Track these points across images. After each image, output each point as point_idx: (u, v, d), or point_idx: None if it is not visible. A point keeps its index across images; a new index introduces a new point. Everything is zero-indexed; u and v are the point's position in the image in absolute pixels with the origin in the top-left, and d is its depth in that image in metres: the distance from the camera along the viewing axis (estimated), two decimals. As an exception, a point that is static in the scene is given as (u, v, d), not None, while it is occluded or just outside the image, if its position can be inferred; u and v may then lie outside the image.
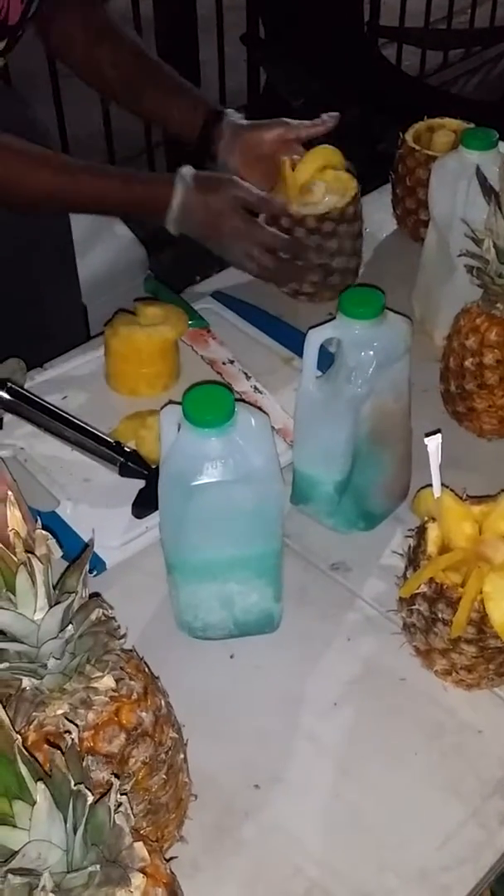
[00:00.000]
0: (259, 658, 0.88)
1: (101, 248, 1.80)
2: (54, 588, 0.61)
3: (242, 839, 0.76)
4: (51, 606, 0.58)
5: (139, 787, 0.66)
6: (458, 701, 0.84)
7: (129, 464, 1.01)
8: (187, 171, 1.13)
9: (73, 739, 0.55)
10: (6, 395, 1.06)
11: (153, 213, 1.16)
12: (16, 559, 0.57)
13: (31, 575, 0.57)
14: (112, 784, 0.52)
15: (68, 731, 0.58)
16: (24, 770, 0.48)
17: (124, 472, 1.01)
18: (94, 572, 0.94)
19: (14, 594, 0.57)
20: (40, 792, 0.47)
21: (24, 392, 1.06)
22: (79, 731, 0.58)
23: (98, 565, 0.94)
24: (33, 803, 0.47)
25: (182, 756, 0.71)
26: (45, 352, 1.20)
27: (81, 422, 1.05)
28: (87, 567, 0.63)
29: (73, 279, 1.47)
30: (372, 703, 0.85)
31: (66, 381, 1.15)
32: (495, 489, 0.88)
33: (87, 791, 0.49)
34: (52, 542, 0.59)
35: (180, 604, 0.87)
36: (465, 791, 0.78)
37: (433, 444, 0.75)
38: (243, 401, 0.86)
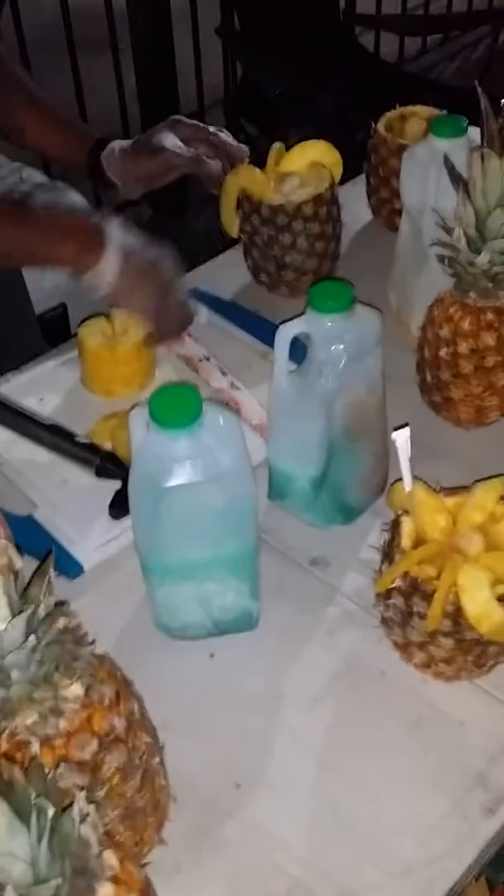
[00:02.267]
0: (239, 656, 0.88)
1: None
2: (19, 597, 0.60)
3: (224, 839, 0.76)
4: (14, 616, 0.58)
5: (114, 792, 0.66)
6: (438, 693, 0.83)
7: (105, 465, 1.00)
8: (117, 231, 1.03)
9: (35, 752, 0.54)
10: (-20, 401, 1.05)
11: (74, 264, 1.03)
12: (-24, 570, 0.56)
13: (-9, 585, 0.56)
14: (76, 795, 0.52)
15: (29, 743, 0.57)
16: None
17: (100, 473, 1.00)
18: (72, 576, 0.94)
19: (-25, 605, 0.57)
20: (-2, 807, 0.47)
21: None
22: (38, 743, 0.58)
23: (75, 569, 0.94)
24: (-7, 818, 0.47)
25: (158, 759, 0.71)
26: (2, 366, 1.19)
27: (56, 424, 1.04)
28: (52, 574, 0.62)
29: (20, 291, 1.45)
30: (352, 697, 0.84)
31: (42, 383, 1.15)
32: (474, 478, 0.87)
33: (47, 804, 0.49)
34: (14, 551, 0.59)
35: (157, 605, 0.87)
36: (446, 783, 0.78)
37: (401, 438, 0.75)
38: (214, 399, 0.85)
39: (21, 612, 0.58)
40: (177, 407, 0.75)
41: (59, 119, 1.25)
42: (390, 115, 1.34)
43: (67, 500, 1.00)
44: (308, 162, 1.24)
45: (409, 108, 1.35)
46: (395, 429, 0.77)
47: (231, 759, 0.81)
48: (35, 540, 0.95)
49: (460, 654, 0.79)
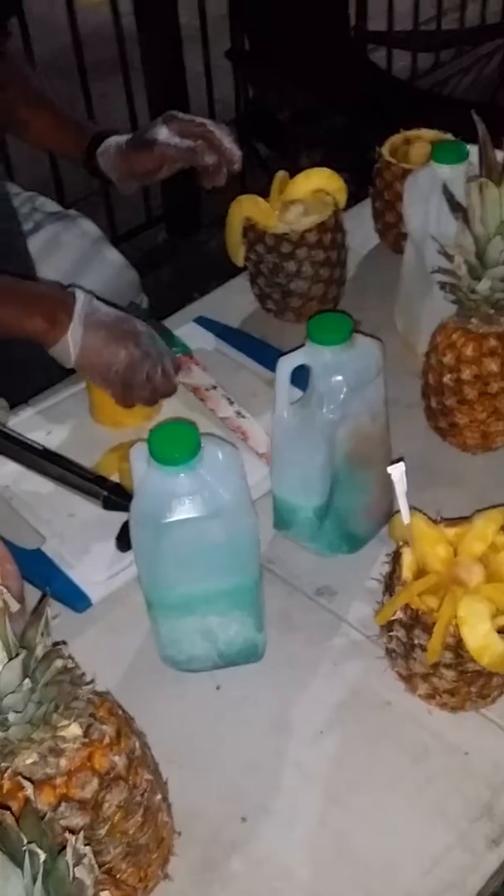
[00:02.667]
0: (245, 688, 0.88)
1: (93, 274, 1.80)
2: (17, 639, 0.61)
3: (230, 872, 0.76)
4: (10, 659, 0.59)
5: (116, 830, 0.66)
6: (443, 723, 0.83)
7: (112, 497, 1.01)
8: (84, 306, 1.05)
9: (29, 795, 0.55)
10: (-10, 435, 1.07)
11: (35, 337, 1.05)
12: (-29, 615, 0.57)
13: (-13, 630, 0.57)
14: (68, 839, 0.52)
15: (23, 788, 0.58)
16: (-25, 831, 0.48)
17: (108, 505, 1.01)
18: (80, 609, 0.95)
19: (-28, 650, 0.58)
20: (-12, 855, 0.47)
21: (7, 430, 1.08)
22: (33, 788, 0.59)
23: (83, 602, 0.95)
24: (-16, 864, 0.48)
25: (160, 796, 0.71)
26: (31, 384, 1.21)
27: (63, 457, 1.06)
28: (49, 614, 0.63)
29: None
30: (358, 728, 0.85)
31: (51, 416, 1.16)
32: (482, 504, 0.88)
33: (37, 850, 0.50)
34: (8, 595, 0.60)
35: (162, 639, 0.87)
36: (451, 814, 0.78)
37: (397, 472, 0.75)
38: (211, 434, 0.85)
39: (17, 655, 0.58)
40: (176, 443, 0.76)
41: (60, 115, 1.28)
42: (395, 138, 1.35)
43: (75, 532, 1.01)
44: (312, 189, 1.25)
45: (415, 132, 1.35)
46: (394, 461, 0.77)
47: (237, 791, 0.81)
48: (43, 573, 0.97)
49: (464, 686, 0.78)
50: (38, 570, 0.97)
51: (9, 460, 1.08)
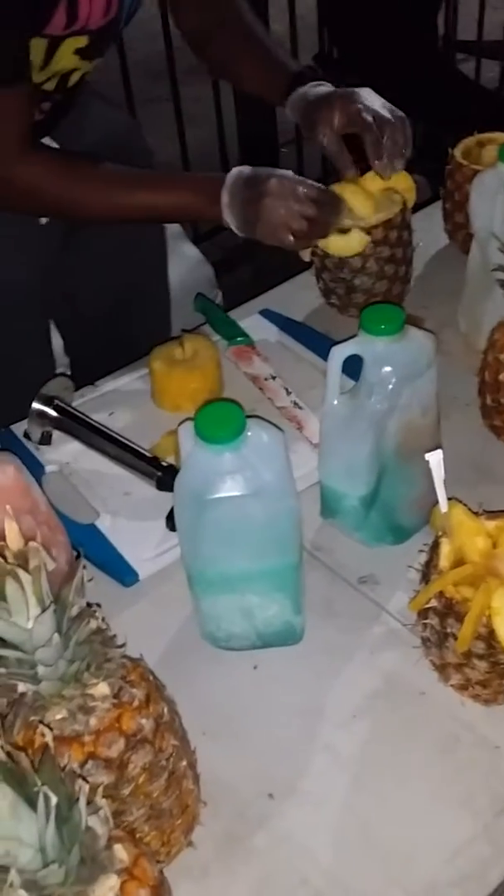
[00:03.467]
0: (282, 669, 0.90)
1: (172, 267, 1.84)
2: (53, 600, 0.64)
3: (253, 847, 0.78)
4: (42, 611, 0.61)
5: (139, 791, 0.68)
6: (476, 716, 0.83)
7: (166, 478, 1.03)
8: (235, 172, 1.10)
9: (48, 742, 0.58)
10: (53, 413, 1.11)
11: (207, 216, 1.13)
12: (7, 569, 0.60)
13: (21, 584, 0.60)
14: (81, 787, 0.55)
15: (43, 734, 0.60)
16: (-8, 769, 0.51)
17: (161, 485, 1.04)
18: (128, 584, 0.98)
19: (6, 602, 0.60)
20: None
21: (70, 409, 1.11)
22: (51, 736, 0.61)
23: (131, 577, 0.98)
24: (-1, 801, 0.50)
25: (185, 763, 0.73)
26: (132, 352, 1.25)
27: (123, 437, 1.09)
28: (84, 578, 0.65)
29: (163, 287, 1.53)
30: (390, 716, 0.85)
31: (114, 398, 1.19)
32: (533, 503, 0.87)
33: (51, 794, 0.52)
34: (45, 554, 0.62)
35: (202, 615, 0.89)
36: (477, 807, 0.78)
37: (434, 459, 0.75)
38: (257, 417, 0.87)
39: (49, 608, 0.61)
40: (221, 423, 0.78)
41: (265, 57, 1.27)
42: (468, 140, 1.35)
43: (128, 510, 1.04)
44: (382, 187, 1.25)
45: (488, 135, 1.35)
46: (432, 450, 0.78)
47: (267, 769, 0.82)
48: (95, 547, 1.00)
49: (496, 678, 0.78)
50: (91, 543, 0.99)
51: (71, 438, 1.11)
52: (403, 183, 1.25)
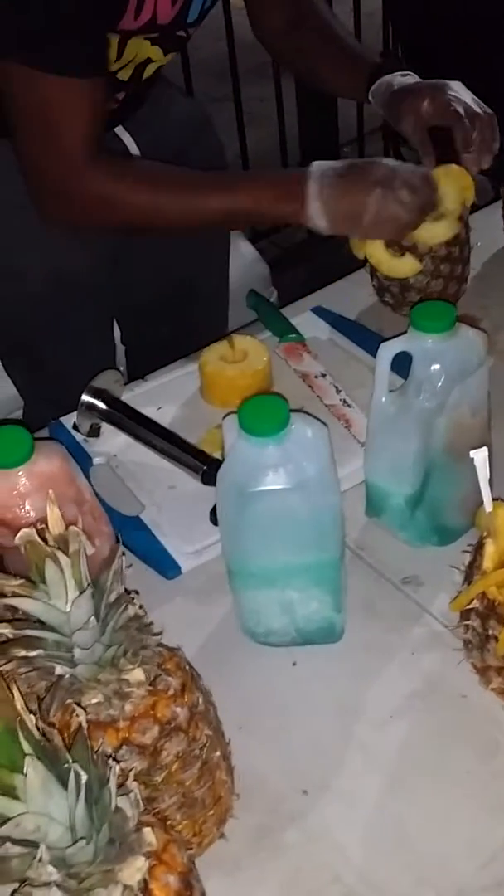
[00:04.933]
0: (321, 667, 0.89)
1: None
2: (92, 585, 0.64)
3: (285, 842, 0.77)
4: (80, 594, 0.62)
5: (172, 779, 0.69)
6: (517, 722, 0.82)
7: (212, 473, 1.03)
8: (319, 165, 1.07)
9: (81, 723, 0.58)
10: (102, 405, 1.12)
11: (289, 219, 1.10)
12: (47, 551, 0.61)
13: (60, 567, 0.60)
14: (112, 767, 0.55)
15: (76, 714, 0.61)
16: (25, 746, 0.51)
17: (206, 480, 1.04)
18: (171, 576, 0.98)
19: (46, 584, 0.61)
20: (31, 765, 0.50)
21: (119, 402, 1.12)
22: (85, 716, 0.61)
23: (173, 570, 0.98)
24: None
25: (218, 753, 0.73)
26: (187, 346, 1.25)
27: (169, 431, 1.09)
28: (123, 565, 0.66)
29: (223, 283, 1.54)
30: (429, 718, 0.84)
31: (163, 392, 1.20)
32: None
33: (81, 771, 0.52)
34: (85, 538, 0.63)
35: (242, 609, 0.89)
36: (514, 814, 0.77)
37: (479, 457, 0.74)
38: (302, 411, 0.87)
39: (86, 591, 0.61)
40: (265, 416, 0.78)
41: (345, 53, 1.26)
42: (531, 138, 1.33)
43: (173, 503, 1.04)
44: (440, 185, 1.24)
45: (552, 132, 1.32)
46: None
47: (301, 765, 0.82)
48: (139, 539, 1.00)
49: (537, 683, 0.77)
50: (135, 535, 1.00)
51: (119, 431, 1.12)
52: (462, 181, 1.23)
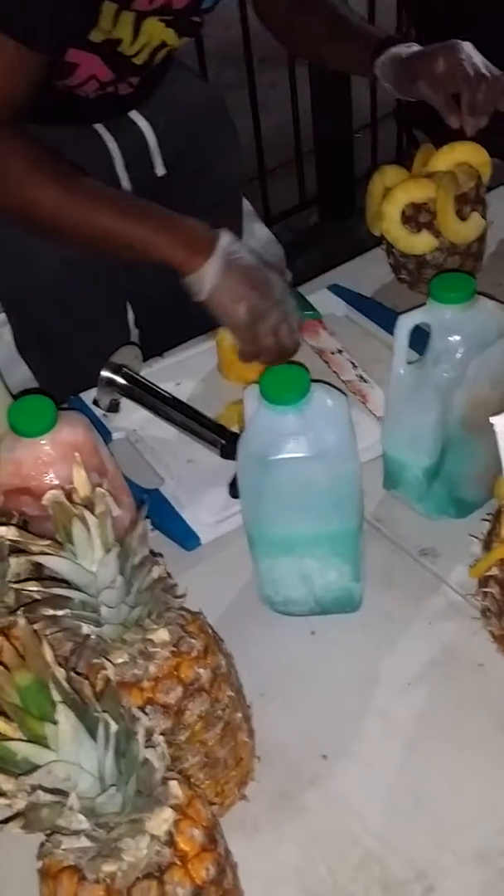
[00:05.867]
0: (339, 636, 0.90)
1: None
2: (118, 545, 0.65)
3: (305, 805, 0.78)
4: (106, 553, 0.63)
5: (195, 739, 0.70)
6: (535, 690, 0.83)
7: (230, 446, 1.04)
8: (229, 244, 1.02)
9: (108, 675, 0.59)
10: (122, 381, 1.12)
11: (174, 264, 1.02)
12: (74, 512, 0.61)
13: (87, 527, 0.61)
14: (139, 720, 0.56)
15: (104, 668, 0.62)
16: (55, 695, 0.52)
17: (225, 453, 1.05)
18: (190, 548, 0.99)
19: (73, 545, 0.62)
20: (62, 713, 0.51)
21: (138, 378, 1.13)
22: (113, 670, 0.62)
23: (193, 541, 0.99)
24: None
25: (240, 715, 0.74)
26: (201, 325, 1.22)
27: (188, 406, 1.10)
28: (147, 528, 0.67)
29: None
30: (447, 685, 0.85)
31: (181, 368, 1.21)
32: None
33: (111, 721, 0.53)
34: (111, 500, 0.64)
35: (262, 578, 0.90)
36: (532, 779, 0.77)
37: (500, 423, 0.75)
38: (323, 384, 0.87)
39: (109, 551, 0.62)
40: (286, 385, 0.79)
41: (349, 31, 1.25)
42: (547, 116, 1.33)
43: (192, 477, 1.05)
44: (456, 162, 1.24)
45: None
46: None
47: (321, 731, 0.83)
48: (159, 512, 1.01)
49: None
50: (155, 508, 1.01)
51: (139, 406, 1.13)
52: (478, 158, 1.24)
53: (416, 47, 1.17)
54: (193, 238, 1.02)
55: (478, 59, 1.14)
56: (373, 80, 1.22)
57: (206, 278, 1.01)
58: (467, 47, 1.14)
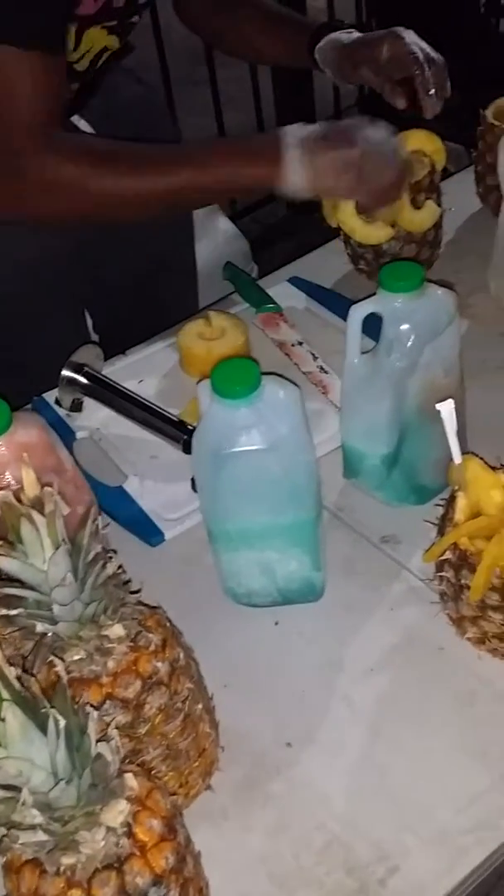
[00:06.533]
0: (302, 625, 0.91)
1: (206, 241, 1.86)
2: (69, 543, 0.66)
3: (270, 793, 0.79)
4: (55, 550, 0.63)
5: (156, 731, 0.70)
6: (494, 671, 0.84)
7: (192, 441, 1.05)
8: (292, 128, 1.04)
9: (58, 672, 0.60)
10: (83, 380, 1.13)
11: (265, 183, 1.05)
12: (22, 511, 0.62)
13: (36, 526, 0.62)
14: (90, 714, 0.57)
15: (54, 665, 0.63)
16: (3, 693, 0.53)
17: (187, 449, 1.05)
18: (154, 543, 1.00)
19: (23, 544, 0.63)
20: (9, 711, 0.52)
21: (99, 376, 1.13)
22: (63, 666, 0.63)
23: (157, 537, 1.00)
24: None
25: (201, 706, 0.75)
26: (161, 325, 1.25)
27: (150, 403, 1.11)
28: (99, 525, 0.67)
29: (190, 261, 1.54)
30: (408, 670, 0.86)
31: (143, 366, 1.21)
32: None
33: (59, 717, 0.54)
34: (59, 499, 0.64)
35: (223, 571, 0.91)
36: (492, 757, 0.79)
37: (446, 409, 0.76)
38: (275, 376, 0.87)
39: (57, 549, 0.63)
40: (237, 378, 0.79)
41: (281, 22, 1.25)
42: (500, 101, 1.34)
43: (155, 473, 1.06)
44: (409, 150, 1.25)
45: (522, 95, 1.34)
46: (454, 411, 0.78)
47: (285, 720, 0.84)
48: (123, 508, 1.02)
49: (511, 630, 0.79)
50: (119, 505, 1.02)
51: (101, 405, 1.13)
52: (432, 145, 1.24)
53: (356, 34, 1.18)
54: (262, 152, 1.03)
55: (421, 43, 1.15)
56: (311, 67, 1.22)
57: (296, 178, 1.02)
58: (410, 34, 1.15)
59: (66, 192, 1.00)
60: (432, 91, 1.13)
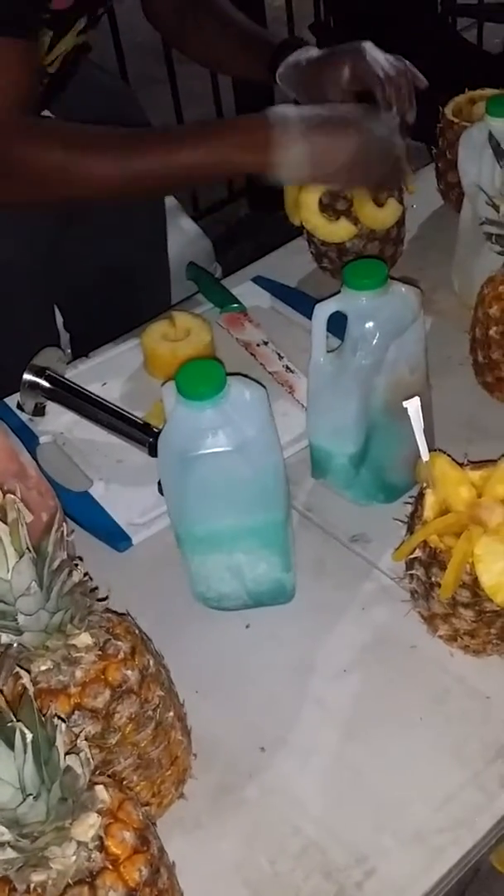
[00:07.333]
0: (274, 627, 0.90)
1: (169, 241, 1.83)
2: (33, 552, 0.64)
3: (245, 799, 0.78)
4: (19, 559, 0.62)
5: (127, 741, 0.69)
6: (467, 667, 0.84)
7: (157, 444, 1.04)
8: (279, 110, 1.02)
9: (25, 685, 0.58)
10: (45, 383, 1.11)
11: (252, 169, 1.02)
12: (-16, 521, 0.61)
13: (-2, 536, 0.60)
14: (58, 727, 0.55)
15: (20, 677, 0.61)
16: (-32, 709, 0.52)
17: (153, 452, 1.04)
18: (122, 549, 0.98)
19: (-15, 554, 0.61)
20: (-29, 726, 0.51)
21: (62, 380, 1.12)
22: (29, 678, 0.62)
23: (125, 542, 0.98)
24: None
25: (172, 714, 0.73)
26: (133, 324, 1.24)
27: (115, 406, 1.09)
28: (65, 531, 0.66)
29: (163, 260, 1.53)
30: (381, 669, 0.85)
31: (108, 368, 1.20)
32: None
33: (26, 730, 0.53)
34: (22, 507, 0.63)
35: (192, 575, 0.90)
36: (467, 755, 0.78)
37: (412, 407, 0.75)
38: (240, 376, 0.87)
39: (21, 557, 0.62)
40: (202, 380, 0.78)
41: (243, 36, 1.25)
42: (459, 98, 1.34)
43: (121, 477, 1.05)
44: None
45: (479, 91, 1.34)
46: (423, 407, 0.78)
47: (258, 723, 0.83)
48: (89, 514, 1.01)
49: (482, 627, 0.78)
50: (85, 510, 1.01)
51: (65, 409, 1.12)
52: None
53: (313, 51, 1.18)
54: (252, 138, 1.00)
55: (380, 57, 1.15)
56: (271, 84, 1.22)
57: (292, 165, 1.00)
58: (369, 47, 1.15)
59: (40, 175, 0.99)
60: (394, 109, 1.13)
